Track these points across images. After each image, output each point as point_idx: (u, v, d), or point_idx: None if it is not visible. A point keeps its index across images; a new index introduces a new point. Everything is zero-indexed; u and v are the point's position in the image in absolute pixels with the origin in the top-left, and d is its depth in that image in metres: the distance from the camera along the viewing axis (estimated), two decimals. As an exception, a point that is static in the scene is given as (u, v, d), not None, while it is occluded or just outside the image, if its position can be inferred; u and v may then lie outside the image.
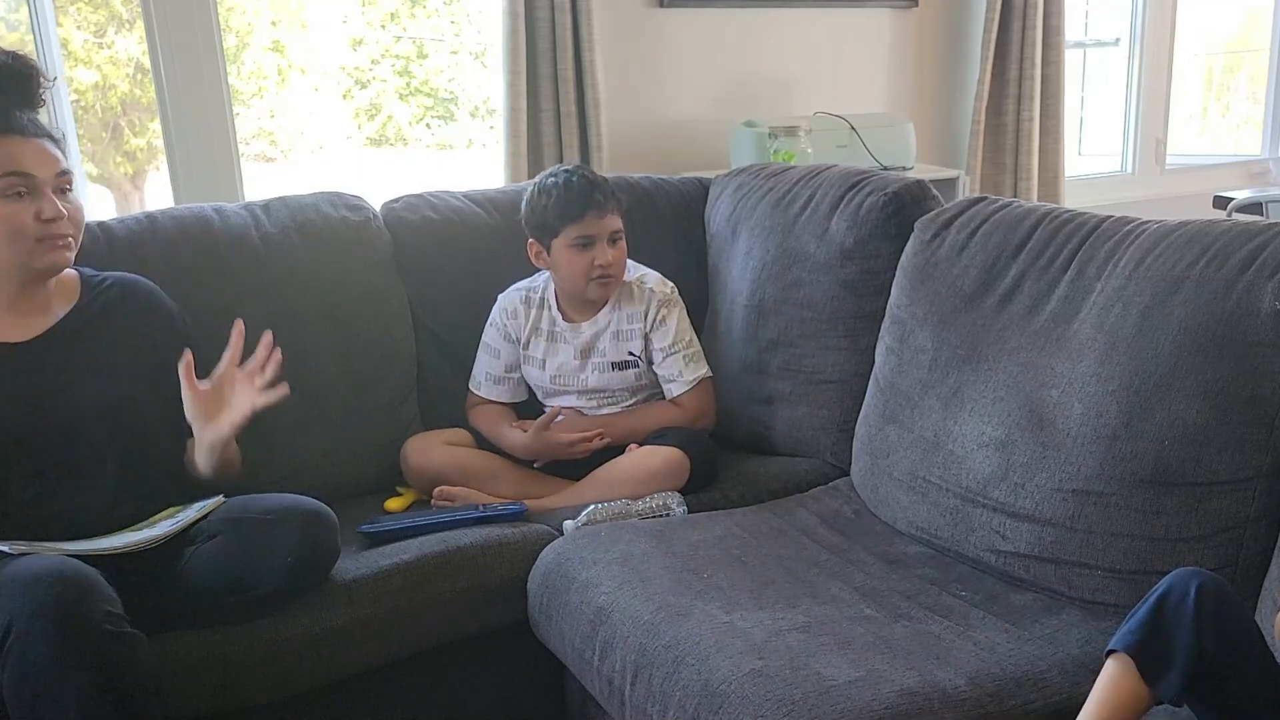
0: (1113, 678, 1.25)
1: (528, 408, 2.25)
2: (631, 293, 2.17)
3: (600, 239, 2.08)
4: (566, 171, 2.11)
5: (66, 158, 1.71)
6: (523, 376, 2.24)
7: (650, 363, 2.19)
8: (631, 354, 2.17)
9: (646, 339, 2.17)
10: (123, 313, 1.79)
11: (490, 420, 2.19)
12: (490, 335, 2.23)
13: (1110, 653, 1.26)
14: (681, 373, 2.17)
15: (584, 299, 2.15)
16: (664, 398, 2.21)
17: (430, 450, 2.12)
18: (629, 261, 2.18)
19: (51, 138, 1.69)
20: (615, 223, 2.11)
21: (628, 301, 2.17)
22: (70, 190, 1.70)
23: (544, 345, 2.20)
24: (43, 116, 1.72)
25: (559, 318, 2.19)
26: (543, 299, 2.20)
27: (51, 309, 1.74)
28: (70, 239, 1.69)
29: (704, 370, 2.20)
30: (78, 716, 1.35)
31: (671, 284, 2.22)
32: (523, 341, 2.21)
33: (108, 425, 1.70)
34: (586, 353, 2.18)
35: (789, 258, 2.22)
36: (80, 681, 1.35)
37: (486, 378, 2.24)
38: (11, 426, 1.64)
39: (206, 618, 1.63)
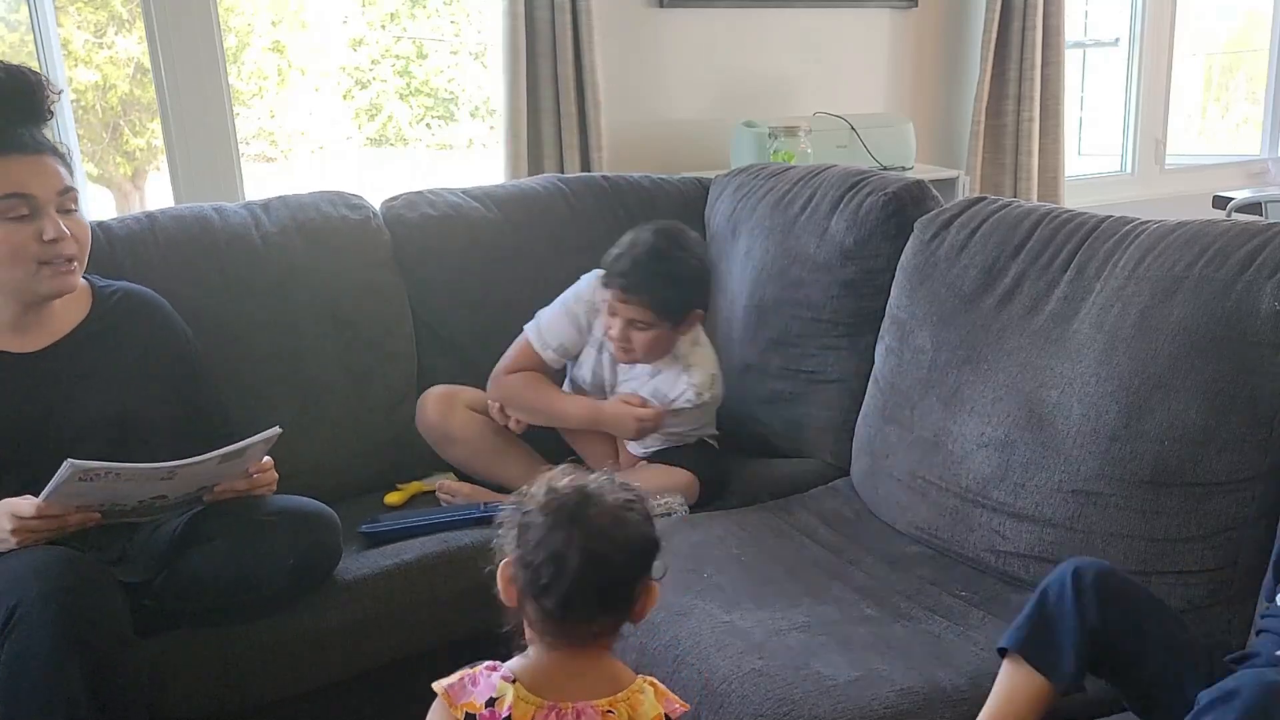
0: (1005, 675, 1.28)
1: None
2: (671, 376, 2.07)
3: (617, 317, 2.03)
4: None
5: (72, 173, 1.67)
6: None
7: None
8: None
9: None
10: (131, 327, 1.78)
11: (536, 383, 2.12)
12: (578, 308, 2.13)
13: (1003, 653, 1.29)
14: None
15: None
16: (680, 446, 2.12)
17: (451, 410, 2.11)
18: (698, 334, 2.11)
19: (56, 153, 1.64)
20: (631, 312, 2.00)
21: (664, 382, 2.07)
22: (75, 209, 1.65)
23: (590, 351, 2.16)
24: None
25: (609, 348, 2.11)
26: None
27: (60, 320, 1.71)
28: (75, 261, 1.65)
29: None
30: (62, 708, 1.35)
31: (711, 388, 2.08)
32: (587, 335, 2.15)
33: (112, 438, 1.68)
34: (604, 388, 2.15)
35: (789, 258, 2.22)
36: (72, 674, 1.36)
37: (559, 346, 2.14)
38: (14, 436, 1.63)
39: (208, 618, 1.63)
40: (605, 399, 2.13)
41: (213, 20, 2.62)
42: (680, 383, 2.06)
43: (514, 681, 1.11)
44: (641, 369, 2.10)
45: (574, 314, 2.14)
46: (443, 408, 2.12)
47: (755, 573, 1.67)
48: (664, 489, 1.99)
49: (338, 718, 1.80)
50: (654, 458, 2.08)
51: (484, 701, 1.10)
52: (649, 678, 1.16)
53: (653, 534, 1.12)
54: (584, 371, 2.17)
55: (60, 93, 1.67)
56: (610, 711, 1.10)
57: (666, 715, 1.13)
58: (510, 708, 1.09)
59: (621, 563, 1.09)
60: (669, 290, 1.99)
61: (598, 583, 1.07)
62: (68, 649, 1.36)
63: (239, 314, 2.07)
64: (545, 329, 2.14)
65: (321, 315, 2.16)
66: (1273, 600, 1.35)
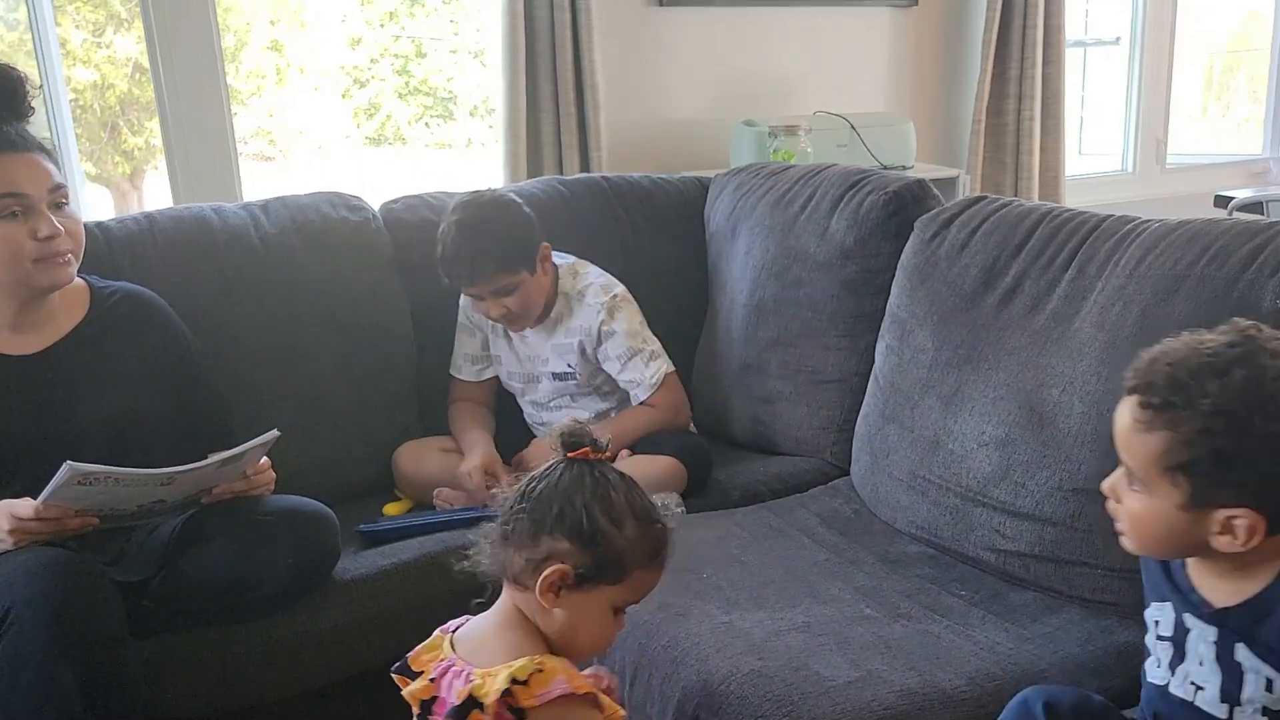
0: None
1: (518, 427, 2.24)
2: (571, 307, 2.13)
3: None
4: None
5: (61, 169, 1.67)
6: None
7: (598, 371, 2.14)
8: (569, 366, 2.13)
9: (586, 350, 2.11)
10: (130, 328, 1.77)
11: (461, 421, 2.16)
12: (462, 317, 2.23)
13: None
14: (643, 375, 2.11)
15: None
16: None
17: (423, 457, 2.11)
18: (576, 265, 2.17)
19: (43, 149, 1.64)
20: (487, 289, 2.04)
21: (567, 315, 2.12)
22: (66, 204, 1.66)
23: (501, 343, 2.20)
24: (41, 117, 1.69)
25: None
26: None
27: (58, 321, 1.71)
28: (70, 255, 1.65)
29: (665, 366, 2.13)
30: (56, 709, 1.35)
31: (617, 287, 2.14)
32: (486, 332, 2.21)
33: (111, 439, 1.68)
34: (531, 361, 2.17)
35: (789, 257, 2.21)
36: (65, 677, 1.36)
37: (465, 356, 2.23)
38: (15, 439, 1.62)
39: (206, 618, 1.63)
40: (540, 383, 2.17)
41: (211, 19, 2.62)
42: (586, 311, 2.10)
43: (451, 633, 1.17)
44: (545, 329, 2.13)
45: (462, 324, 2.22)
46: (414, 461, 2.11)
47: (755, 573, 1.67)
48: (650, 478, 1.98)
49: (337, 718, 1.80)
50: (638, 449, 2.07)
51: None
52: (560, 662, 1.09)
53: (583, 507, 1.09)
54: (503, 370, 2.21)
55: (40, 88, 1.66)
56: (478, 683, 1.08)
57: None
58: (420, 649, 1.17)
59: (559, 505, 1.10)
60: (499, 248, 2.01)
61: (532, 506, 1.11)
62: (62, 650, 1.36)
63: (238, 315, 2.07)
64: (453, 360, 2.25)
65: (321, 317, 2.15)
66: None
